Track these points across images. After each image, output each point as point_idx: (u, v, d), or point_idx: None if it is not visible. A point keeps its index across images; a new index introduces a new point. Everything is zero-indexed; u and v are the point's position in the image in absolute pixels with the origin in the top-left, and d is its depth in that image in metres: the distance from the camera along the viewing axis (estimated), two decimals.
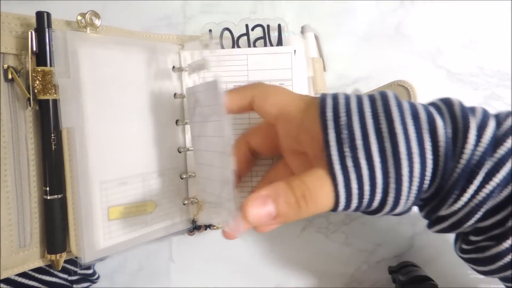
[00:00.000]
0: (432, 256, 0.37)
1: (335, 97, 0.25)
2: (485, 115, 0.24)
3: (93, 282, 0.35)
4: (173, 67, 0.34)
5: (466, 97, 0.39)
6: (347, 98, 0.25)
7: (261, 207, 0.22)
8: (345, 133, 0.23)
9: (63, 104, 0.27)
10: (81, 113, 0.28)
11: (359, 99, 0.24)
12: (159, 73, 0.33)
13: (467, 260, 0.26)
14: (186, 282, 0.37)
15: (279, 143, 0.28)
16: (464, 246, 0.26)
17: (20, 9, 0.45)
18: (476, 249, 0.25)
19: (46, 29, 0.27)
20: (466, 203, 0.23)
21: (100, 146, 0.29)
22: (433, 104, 0.25)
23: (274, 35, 0.34)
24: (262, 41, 0.34)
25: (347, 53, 0.43)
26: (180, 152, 0.33)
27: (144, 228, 0.32)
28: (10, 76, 0.26)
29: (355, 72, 0.43)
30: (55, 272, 0.31)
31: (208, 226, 0.35)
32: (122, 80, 0.30)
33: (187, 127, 0.33)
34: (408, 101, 0.24)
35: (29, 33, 0.26)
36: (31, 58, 0.26)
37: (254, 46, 0.34)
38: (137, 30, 0.34)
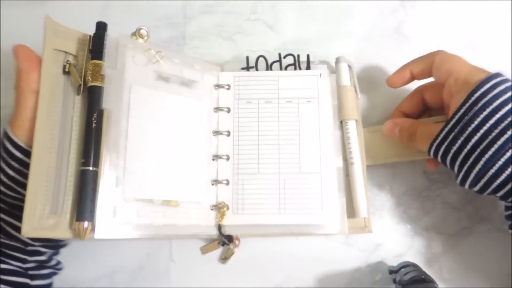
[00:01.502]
0: (432, 256, 0.37)
1: (494, 97, 0.29)
2: None
3: (55, 269, 0.35)
4: (214, 108, 0.38)
5: None
6: (498, 93, 0.29)
7: (391, 128, 0.37)
8: (466, 119, 0.29)
9: (107, 91, 0.33)
10: (120, 99, 0.33)
11: (504, 102, 0.28)
12: (199, 109, 0.38)
13: None
14: (186, 282, 0.37)
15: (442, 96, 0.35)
16: None
17: (21, 9, 0.45)
18: None
19: (104, 33, 0.34)
20: None
21: (132, 139, 0.33)
22: None
23: (303, 65, 0.40)
24: (292, 67, 0.40)
25: (347, 53, 0.43)
26: (213, 184, 0.37)
27: (166, 219, 0.34)
28: (67, 69, 0.33)
29: (355, 72, 0.43)
30: (7, 260, 0.31)
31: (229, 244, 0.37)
32: (163, 87, 0.36)
33: (222, 161, 0.37)
34: None
35: (89, 36, 0.34)
36: (87, 55, 0.33)
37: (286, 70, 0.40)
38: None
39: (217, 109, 0.38)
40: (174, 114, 0.36)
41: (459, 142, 0.30)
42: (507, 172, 0.28)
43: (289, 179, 0.36)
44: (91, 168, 0.31)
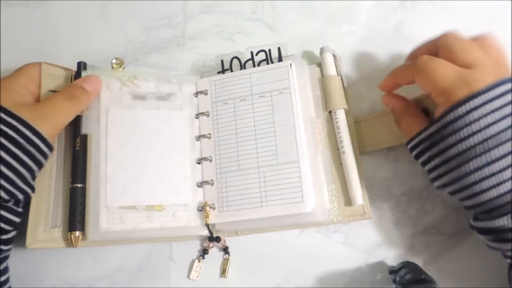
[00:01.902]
0: (432, 256, 0.37)
1: (471, 110, 0.28)
2: None
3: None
4: (195, 115, 0.40)
5: None
6: (482, 115, 0.28)
7: (386, 103, 0.38)
8: (445, 132, 0.30)
9: (86, 118, 0.37)
10: (98, 123, 0.38)
11: (491, 123, 0.28)
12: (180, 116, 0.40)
13: None
14: (186, 282, 0.37)
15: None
16: None
17: (21, 9, 0.45)
18: None
19: (82, 71, 0.39)
20: None
21: (112, 156, 0.37)
22: None
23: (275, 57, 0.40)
24: (265, 62, 0.40)
25: (347, 53, 0.43)
26: (199, 186, 0.38)
27: (151, 223, 0.36)
28: None
29: (355, 72, 0.43)
30: None
31: (225, 250, 0.38)
32: (140, 105, 0.39)
33: (206, 163, 0.39)
34: None
35: (71, 75, 0.39)
36: None
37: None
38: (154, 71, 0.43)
39: (198, 114, 0.40)
40: (153, 126, 0.39)
41: (434, 151, 0.31)
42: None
43: (268, 171, 0.37)
44: (79, 185, 0.36)
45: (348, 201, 0.37)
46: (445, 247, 0.38)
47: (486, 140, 0.28)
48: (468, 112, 0.28)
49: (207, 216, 0.37)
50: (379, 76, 0.38)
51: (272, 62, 0.40)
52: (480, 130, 0.28)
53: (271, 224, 0.37)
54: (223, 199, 0.37)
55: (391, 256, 0.38)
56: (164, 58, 0.44)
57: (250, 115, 0.38)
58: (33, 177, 0.33)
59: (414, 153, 0.33)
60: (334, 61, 0.40)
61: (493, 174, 0.28)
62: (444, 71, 0.31)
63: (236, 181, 0.37)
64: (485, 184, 0.28)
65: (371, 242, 0.38)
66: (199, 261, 0.37)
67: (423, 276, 0.33)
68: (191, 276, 0.37)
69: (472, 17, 0.44)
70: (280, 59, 0.40)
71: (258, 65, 0.40)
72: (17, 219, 0.33)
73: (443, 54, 0.32)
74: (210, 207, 0.37)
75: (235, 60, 0.41)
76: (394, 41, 0.44)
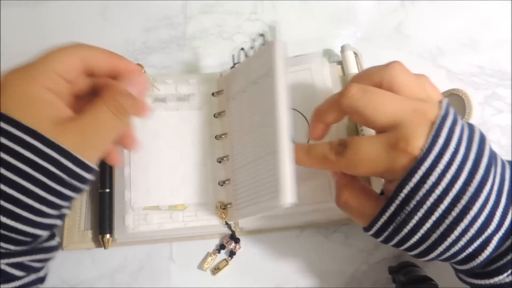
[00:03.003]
0: None
1: (427, 172, 0.24)
2: None
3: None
4: (214, 114, 0.39)
5: None
6: (441, 174, 0.24)
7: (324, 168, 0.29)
8: (406, 210, 0.25)
9: None
10: None
11: (451, 182, 0.24)
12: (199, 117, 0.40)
13: None
14: (186, 282, 0.37)
15: None
16: None
17: (21, 9, 0.45)
18: None
19: None
20: None
21: (135, 158, 0.37)
22: None
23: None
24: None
25: None
26: (221, 185, 0.37)
27: (174, 222, 0.36)
28: None
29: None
30: None
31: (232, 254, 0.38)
32: (160, 107, 0.39)
33: (225, 162, 0.38)
34: (497, 190, 0.24)
35: None
36: None
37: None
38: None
39: (216, 114, 0.39)
40: (174, 127, 0.38)
41: (404, 232, 0.26)
42: (463, 255, 0.25)
43: (262, 162, 0.33)
44: (107, 190, 0.37)
45: None
46: None
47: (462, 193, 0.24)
48: (427, 176, 0.24)
49: (224, 214, 0.36)
50: None
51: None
52: (447, 192, 0.24)
53: (292, 222, 0.37)
54: (236, 197, 0.36)
55: (391, 256, 0.38)
56: (164, 58, 0.44)
57: (246, 107, 0.36)
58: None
59: (381, 239, 0.27)
60: (356, 59, 0.40)
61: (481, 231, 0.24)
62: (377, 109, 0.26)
63: (244, 177, 0.35)
64: (475, 244, 0.25)
65: (371, 242, 0.38)
66: (214, 255, 0.37)
67: (423, 276, 0.33)
68: (203, 268, 0.37)
69: (472, 17, 0.44)
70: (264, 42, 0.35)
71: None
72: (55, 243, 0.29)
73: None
74: (227, 206, 0.36)
75: (241, 52, 0.38)
76: (394, 41, 0.44)
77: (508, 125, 0.42)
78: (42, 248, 0.27)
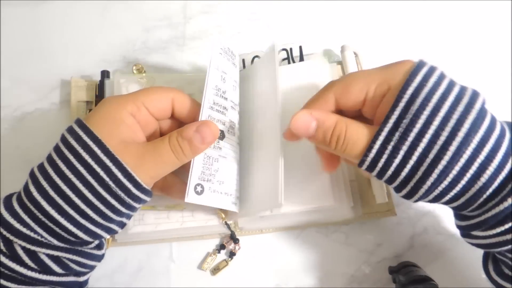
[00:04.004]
0: (432, 256, 0.37)
1: (422, 82, 0.24)
2: None
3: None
4: None
5: None
6: (434, 86, 0.24)
7: (305, 122, 0.27)
8: (404, 122, 0.24)
9: None
10: None
11: (444, 95, 0.24)
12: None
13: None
14: (186, 282, 0.37)
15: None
16: (507, 271, 0.26)
17: (21, 9, 0.45)
18: None
19: (104, 80, 0.40)
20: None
21: None
22: None
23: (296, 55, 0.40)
24: (286, 61, 0.40)
25: None
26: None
27: (170, 223, 0.36)
28: (87, 114, 0.37)
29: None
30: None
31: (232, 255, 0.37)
32: None
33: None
34: (491, 118, 0.24)
35: (96, 84, 0.40)
36: (96, 99, 0.40)
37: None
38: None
39: None
40: None
41: (401, 154, 0.24)
42: (463, 182, 0.24)
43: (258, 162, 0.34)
44: None
45: (369, 198, 0.37)
46: (445, 247, 0.38)
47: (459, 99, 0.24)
48: (428, 77, 0.24)
49: (224, 213, 0.36)
50: None
51: (293, 61, 0.39)
52: (446, 95, 0.24)
53: (293, 222, 0.37)
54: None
55: (391, 256, 0.38)
56: (164, 58, 0.44)
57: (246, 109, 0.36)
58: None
59: (378, 169, 0.25)
60: (356, 59, 0.40)
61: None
62: (366, 73, 0.28)
63: (243, 177, 0.35)
64: (471, 172, 0.24)
65: (371, 242, 0.38)
66: (214, 255, 0.37)
67: (423, 276, 0.33)
68: (203, 268, 0.37)
69: (472, 17, 0.44)
70: (301, 58, 0.39)
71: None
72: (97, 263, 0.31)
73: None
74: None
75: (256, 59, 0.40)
76: (394, 41, 0.44)
77: None
78: (82, 251, 0.29)
